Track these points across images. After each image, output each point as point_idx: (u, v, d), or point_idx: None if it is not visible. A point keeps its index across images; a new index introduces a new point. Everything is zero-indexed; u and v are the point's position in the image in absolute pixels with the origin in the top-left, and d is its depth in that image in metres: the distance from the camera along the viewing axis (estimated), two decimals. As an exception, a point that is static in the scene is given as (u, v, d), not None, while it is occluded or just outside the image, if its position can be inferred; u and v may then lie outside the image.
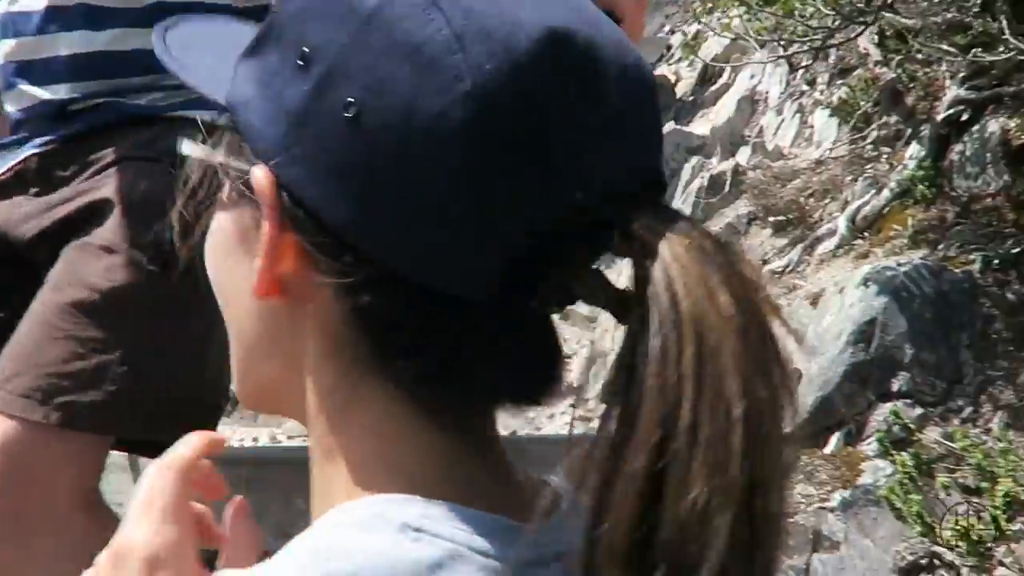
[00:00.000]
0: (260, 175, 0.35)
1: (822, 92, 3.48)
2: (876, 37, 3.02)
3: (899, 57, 2.99)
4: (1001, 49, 2.59)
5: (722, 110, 4.51)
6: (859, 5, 2.96)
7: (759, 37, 3.37)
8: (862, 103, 3.22)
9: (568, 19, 0.33)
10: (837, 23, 3.00)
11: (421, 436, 0.35)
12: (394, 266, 0.34)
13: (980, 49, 2.66)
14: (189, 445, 0.41)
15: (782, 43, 3.27)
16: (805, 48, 3.29)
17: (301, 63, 0.34)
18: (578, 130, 0.33)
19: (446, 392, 0.35)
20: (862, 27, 3.09)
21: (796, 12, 2.98)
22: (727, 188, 3.31)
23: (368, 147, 0.32)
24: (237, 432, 2.89)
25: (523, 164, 0.32)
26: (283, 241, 0.35)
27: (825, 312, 2.39)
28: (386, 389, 0.35)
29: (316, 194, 0.34)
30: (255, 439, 3.00)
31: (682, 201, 3.41)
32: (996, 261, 2.23)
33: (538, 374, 0.37)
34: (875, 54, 3.07)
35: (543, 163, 0.32)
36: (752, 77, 4.51)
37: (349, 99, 0.32)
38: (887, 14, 2.83)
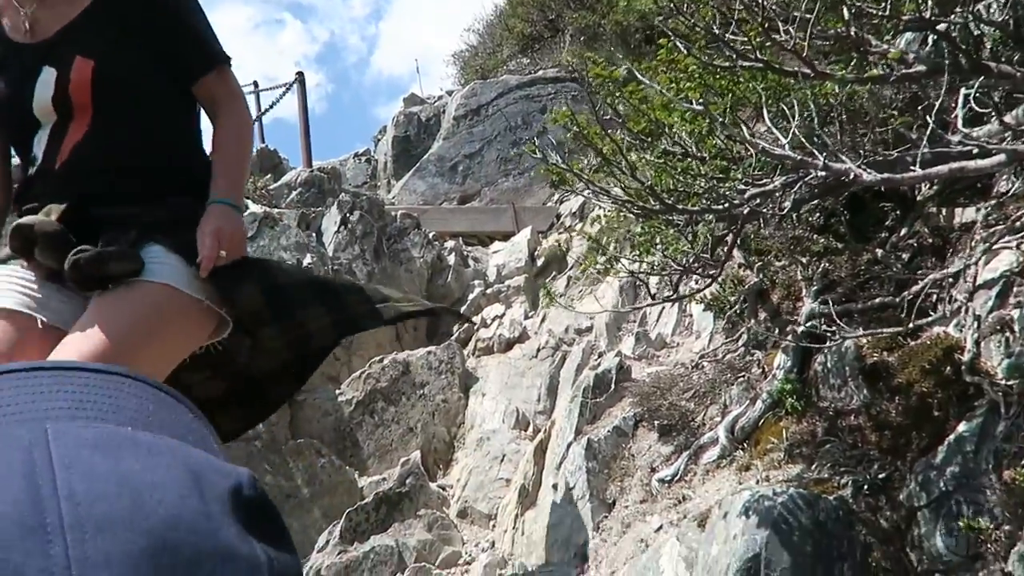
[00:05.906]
0: None
1: (697, 281, 3.61)
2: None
3: (759, 264, 3.15)
4: (845, 264, 2.76)
5: (608, 290, 4.63)
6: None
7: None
8: (731, 298, 3.35)
9: None
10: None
11: None
12: None
13: (827, 263, 2.82)
14: None
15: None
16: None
17: None
18: None
19: None
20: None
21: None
22: (612, 387, 3.32)
23: None
24: None
25: None
26: None
27: (712, 538, 2.34)
28: None
29: None
30: None
31: (570, 401, 3.39)
32: (866, 487, 2.26)
33: None
34: (738, 257, 3.23)
35: None
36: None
37: None
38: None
